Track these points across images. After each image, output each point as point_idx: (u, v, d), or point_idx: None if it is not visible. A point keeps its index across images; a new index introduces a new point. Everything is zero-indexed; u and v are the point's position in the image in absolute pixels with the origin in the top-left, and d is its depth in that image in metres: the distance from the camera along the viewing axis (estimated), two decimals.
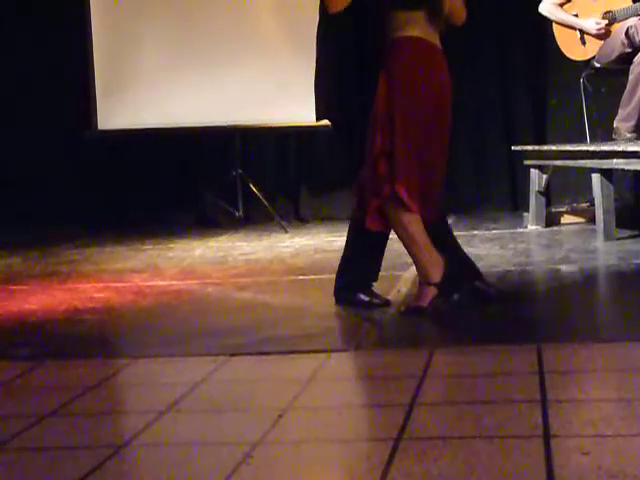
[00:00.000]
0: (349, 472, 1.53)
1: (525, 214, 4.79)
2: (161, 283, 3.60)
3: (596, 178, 4.07)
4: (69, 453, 1.68)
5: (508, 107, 5.50)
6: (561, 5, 4.45)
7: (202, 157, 5.79)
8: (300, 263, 3.97)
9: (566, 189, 5.20)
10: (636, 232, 4.10)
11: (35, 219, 5.51)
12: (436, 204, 2.75)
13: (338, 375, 2.18)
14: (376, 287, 2.90)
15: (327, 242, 4.59)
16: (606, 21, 4.29)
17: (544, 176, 4.66)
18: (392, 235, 2.84)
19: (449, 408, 1.82)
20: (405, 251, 2.79)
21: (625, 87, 4.18)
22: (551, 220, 4.70)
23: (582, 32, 4.38)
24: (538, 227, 4.62)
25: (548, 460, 1.48)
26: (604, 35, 4.29)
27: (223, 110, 5.40)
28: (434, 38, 2.67)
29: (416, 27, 2.64)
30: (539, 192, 4.65)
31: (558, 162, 4.53)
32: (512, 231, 4.57)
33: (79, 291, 3.49)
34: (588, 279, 3.28)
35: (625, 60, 4.17)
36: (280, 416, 1.80)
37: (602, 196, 4.02)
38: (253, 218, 5.59)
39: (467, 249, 3.07)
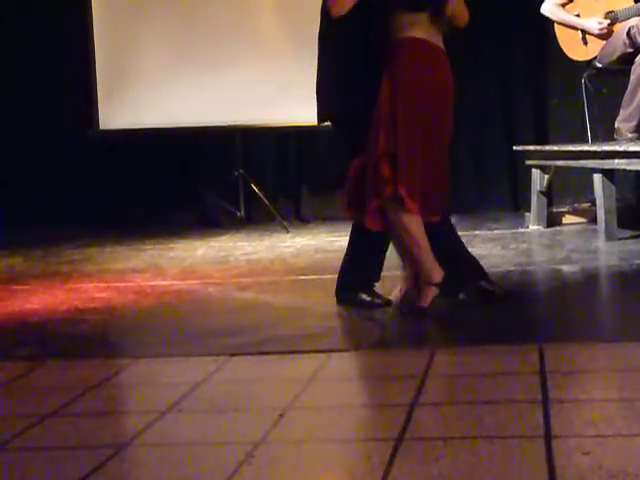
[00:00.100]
0: (350, 472, 1.53)
1: (526, 214, 4.79)
2: (162, 283, 3.60)
3: (597, 178, 4.07)
4: (70, 453, 1.68)
5: (509, 107, 5.50)
6: (563, 5, 4.45)
7: (203, 157, 5.80)
8: (301, 263, 3.97)
9: (567, 189, 5.20)
10: (637, 232, 4.10)
11: (35, 219, 5.52)
12: (438, 204, 2.75)
13: (339, 375, 2.18)
14: (378, 287, 2.90)
15: (328, 242, 4.59)
16: (608, 21, 4.29)
17: (545, 176, 4.65)
18: None
19: (450, 408, 1.82)
20: (407, 252, 2.79)
21: (626, 87, 4.18)
22: (552, 220, 4.69)
23: (584, 32, 4.37)
24: (539, 227, 4.62)
25: (549, 460, 1.47)
26: (606, 35, 4.28)
27: (224, 110, 5.41)
28: (437, 39, 2.68)
29: (420, 28, 2.64)
30: (540, 192, 4.65)
31: (560, 162, 4.53)
32: (513, 231, 4.57)
33: (80, 291, 3.49)
34: (589, 279, 3.28)
35: (627, 60, 4.17)
36: (281, 416, 1.80)
37: (603, 196, 4.02)
38: (254, 218, 5.59)
39: (469, 249, 3.07)
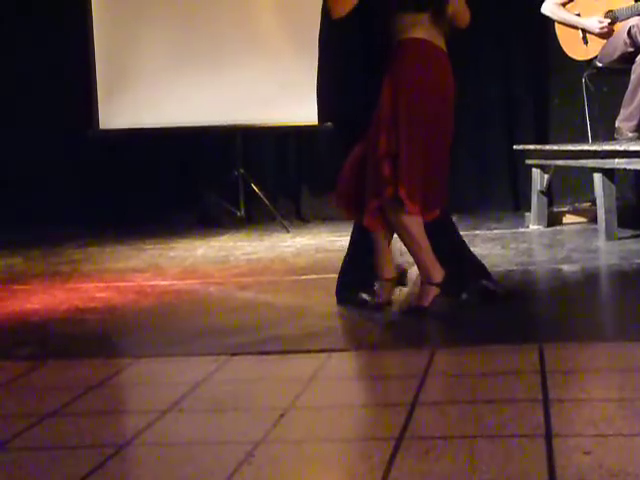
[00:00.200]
0: (350, 471, 1.53)
1: (527, 214, 4.79)
2: (163, 283, 3.60)
3: (598, 178, 4.07)
4: (70, 453, 1.69)
5: (510, 107, 5.50)
6: (563, 5, 4.45)
7: (203, 157, 5.80)
8: (302, 263, 3.97)
9: (568, 189, 5.20)
10: (638, 232, 4.10)
11: (35, 219, 5.52)
12: (437, 202, 2.75)
13: (340, 375, 2.18)
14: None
15: (328, 242, 4.59)
16: (609, 20, 4.29)
17: (546, 176, 4.65)
18: (394, 235, 2.84)
19: (451, 407, 1.82)
20: (406, 250, 2.79)
21: (627, 87, 4.18)
22: (553, 220, 4.69)
23: (584, 31, 4.38)
24: (540, 227, 4.62)
25: (550, 459, 1.47)
26: (607, 34, 4.29)
27: (224, 110, 5.40)
28: (439, 40, 2.68)
29: (421, 29, 2.64)
30: (541, 192, 4.65)
31: (560, 162, 4.53)
32: (514, 231, 4.57)
33: (81, 291, 3.49)
34: (590, 279, 3.28)
35: (627, 60, 4.17)
36: (282, 415, 1.80)
37: (604, 196, 4.02)
38: (255, 218, 5.60)
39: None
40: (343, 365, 2.27)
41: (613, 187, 4.05)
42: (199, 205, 5.69)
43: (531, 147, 4.79)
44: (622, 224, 4.07)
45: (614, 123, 4.25)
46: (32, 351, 2.54)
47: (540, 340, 2.26)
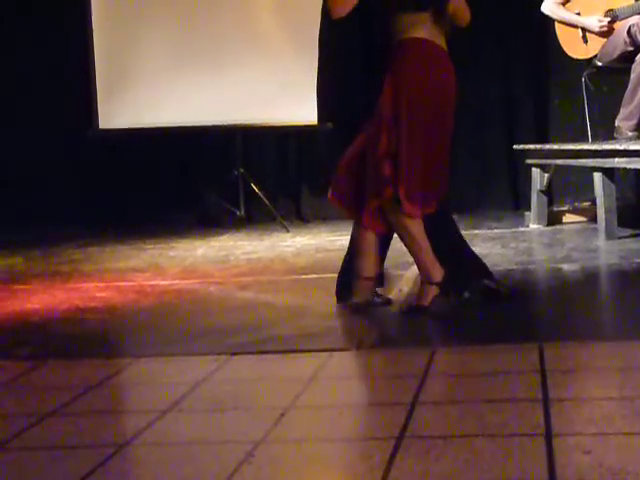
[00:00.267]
0: (351, 471, 1.53)
1: (527, 213, 4.79)
2: (163, 282, 3.60)
3: (598, 177, 4.07)
4: (71, 452, 1.69)
5: (509, 106, 5.50)
6: (563, 4, 4.45)
7: (204, 157, 5.80)
8: (302, 262, 3.97)
9: (568, 188, 5.20)
10: (638, 231, 4.10)
11: (35, 219, 5.52)
12: (436, 198, 2.74)
13: (340, 374, 2.18)
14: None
15: (328, 241, 4.59)
16: (608, 18, 4.29)
17: (546, 175, 4.65)
18: (394, 235, 2.84)
19: (451, 407, 1.82)
20: (407, 250, 2.79)
21: (627, 86, 4.18)
22: (553, 219, 4.70)
23: (584, 30, 4.38)
24: (540, 226, 4.62)
25: (550, 458, 1.47)
26: (607, 33, 4.29)
27: (224, 110, 5.40)
28: (440, 40, 2.67)
29: (422, 29, 2.64)
30: (541, 191, 4.65)
31: (560, 161, 4.53)
32: (514, 230, 4.57)
33: (81, 290, 3.49)
34: (590, 278, 3.28)
35: (627, 59, 4.17)
36: (282, 415, 1.80)
37: (604, 195, 4.02)
38: (255, 217, 5.60)
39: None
40: (343, 365, 2.27)
41: (613, 186, 4.04)
42: (199, 205, 5.69)
43: (531, 146, 4.79)
44: (622, 223, 4.07)
45: (614, 122, 4.25)
46: (32, 351, 2.54)
47: (540, 339, 2.26)
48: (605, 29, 4.28)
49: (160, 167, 5.81)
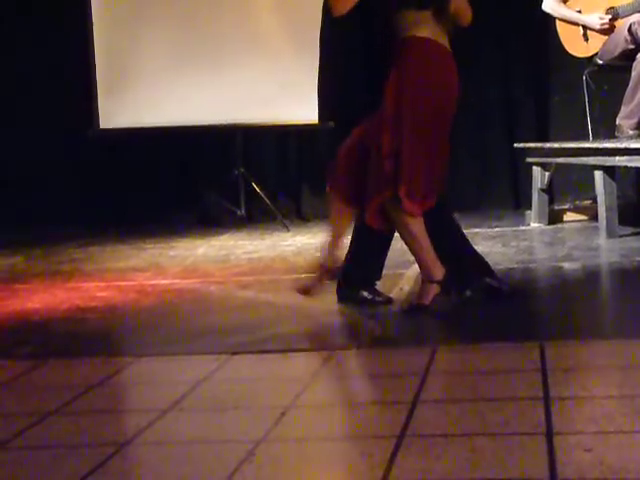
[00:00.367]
0: (352, 469, 1.53)
1: (527, 212, 4.78)
2: (163, 282, 3.60)
3: (599, 175, 4.06)
4: (72, 451, 1.69)
5: (510, 104, 5.50)
6: (564, 2, 4.45)
7: (204, 156, 5.80)
8: (302, 262, 3.97)
9: (568, 186, 5.19)
10: (639, 229, 4.09)
11: (35, 219, 5.52)
12: (434, 194, 2.73)
13: (341, 373, 2.18)
14: (379, 285, 2.90)
15: None
16: (609, 16, 4.28)
17: (546, 174, 4.65)
18: (396, 233, 2.84)
19: (452, 405, 1.82)
20: (408, 249, 2.79)
21: (628, 84, 4.18)
22: (554, 218, 4.69)
23: (585, 28, 4.37)
24: (540, 225, 4.62)
25: (551, 457, 1.47)
26: (608, 31, 4.28)
27: (225, 109, 5.40)
28: (443, 39, 2.66)
29: (425, 28, 2.63)
30: (541, 190, 4.65)
31: (560, 159, 4.53)
32: (514, 229, 4.57)
33: (81, 290, 3.50)
34: (591, 277, 3.28)
35: (628, 57, 4.16)
36: (283, 414, 1.80)
37: (605, 193, 4.01)
38: (255, 217, 5.60)
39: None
40: (344, 363, 2.27)
41: (614, 185, 4.04)
42: (200, 204, 5.69)
43: (532, 145, 4.78)
44: (623, 222, 4.06)
45: (615, 121, 4.24)
46: (33, 350, 2.54)
47: (541, 338, 2.26)
48: (606, 27, 4.28)
49: (160, 167, 5.81)
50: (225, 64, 5.41)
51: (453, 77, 2.69)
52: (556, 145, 4.57)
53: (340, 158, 2.77)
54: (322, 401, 1.93)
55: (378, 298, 2.86)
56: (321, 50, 2.89)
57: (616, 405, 1.75)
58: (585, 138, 4.53)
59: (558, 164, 4.62)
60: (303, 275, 3.56)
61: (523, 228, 4.60)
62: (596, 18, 4.30)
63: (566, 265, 3.43)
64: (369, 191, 2.68)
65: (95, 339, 2.71)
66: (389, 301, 2.85)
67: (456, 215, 2.98)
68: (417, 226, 2.67)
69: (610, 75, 4.55)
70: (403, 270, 3.33)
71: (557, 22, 4.49)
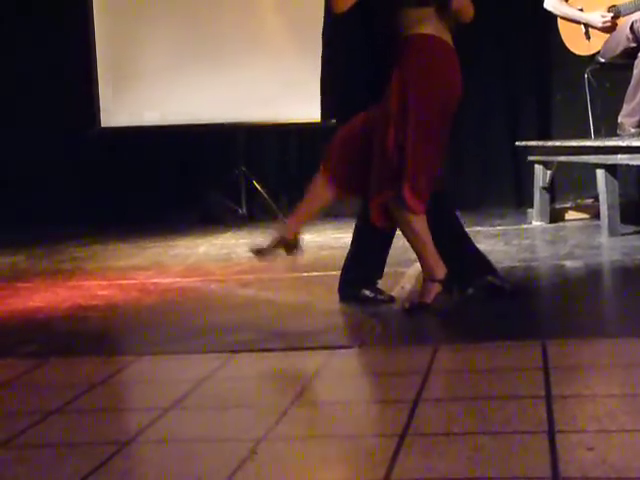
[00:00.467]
0: (354, 468, 1.53)
1: (529, 210, 4.78)
2: (165, 280, 3.61)
3: (600, 174, 4.06)
4: (74, 450, 1.69)
5: (512, 103, 5.50)
6: (566, 0, 4.45)
7: (205, 155, 5.80)
8: (304, 260, 3.96)
9: (570, 185, 5.19)
10: None
11: (35, 219, 5.52)
12: (430, 190, 2.73)
13: (342, 372, 2.18)
14: (381, 284, 2.90)
15: (332, 239, 4.59)
16: (611, 14, 4.28)
17: (548, 172, 4.65)
18: (397, 232, 2.84)
19: (454, 404, 1.82)
20: (410, 248, 2.79)
21: (629, 82, 4.17)
22: (555, 216, 4.69)
23: (587, 27, 4.37)
24: (542, 223, 4.62)
25: (553, 455, 1.47)
26: (609, 29, 4.28)
27: (226, 108, 5.41)
28: (447, 36, 2.66)
29: (429, 25, 2.62)
30: (543, 188, 4.65)
31: (562, 158, 4.52)
32: (516, 227, 4.57)
33: (83, 289, 3.50)
34: (593, 275, 3.28)
35: (630, 55, 4.16)
36: (285, 412, 1.80)
37: (606, 192, 4.01)
38: (256, 215, 5.60)
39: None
40: (346, 362, 2.27)
41: (616, 183, 4.04)
42: (201, 204, 5.69)
43: (533, 143, 4.78)
44: (625, 220, 4.06)
45: (616, 119, 4.24)
46: (35, 349, 2.54)
47: (543, 336, 2.25)
48: (608, 25, 4.27)
49: (162, 166, 5.82)
50: (227, 63, 5.42)
51: (457, 74, 2.68)
52: (558, 143, 4.57)
53: (337, 143, 2.74)
54: (324, 400, 1.93)
55: (380, 297, 2.86)
56: (323, 48, 2.88)
57: (618, 403, 1.75)
58: (587, 136, 4.53)
59: (560, 162, 4.62)
60: (305, 274, 3.57)
61: (525, 226, 4.60)
62: (598, 16, 4.30)
63: (568, 263, 3.42)
64: (372, 189, 2.67)
65: (97, 338, 2.71)
66: (391, 300, 2.85)
67: (458, 213, 2.98)
68: (420, 224, 2.66)
69: (612, 73, 4.55)
70: (405, 268, 3.33)
71: (559, 20, 4.49)
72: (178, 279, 3.63)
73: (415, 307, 2.70)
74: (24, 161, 5.72)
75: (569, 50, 4.48)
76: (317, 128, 5.34)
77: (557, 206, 4.87)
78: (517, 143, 4.91)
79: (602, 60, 4.37)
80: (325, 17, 2.82)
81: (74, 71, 5.61)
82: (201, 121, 5.43)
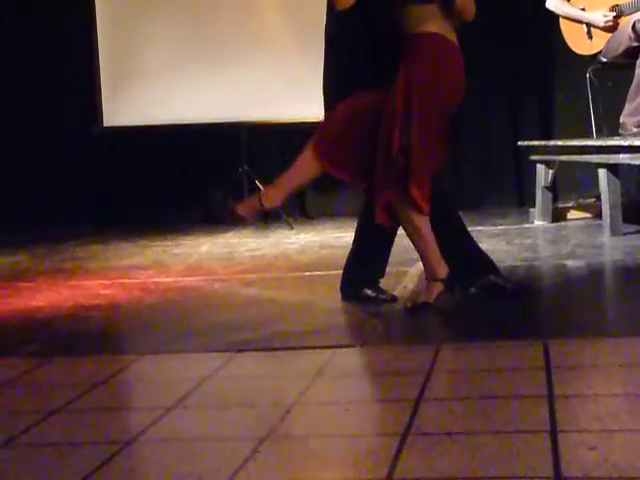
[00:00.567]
0: (356, 467, 1.53)
1: (531, 209, 4.78)
2: (167, 279, 3.61)
3: (602, 173, 4.06)
4: (77, 449, 1.69)
5: (514, 102, 5.50)
6: (568, 0, 4.44)
7: (208, 154, 5.80)
8: (306, 259, 3.97)
9: (572, 184, 5.19)
10: None
11: (35, 219, 5.53)
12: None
13: (345, 371, 2.18)
14: (383, 283, 2.90)
15: (333, 238, 4.59)
16: (614, 13, 4.27)
17: (550, 171, 4.65)
18: (399, 231, 2.84)
19: (456, 403, 1.82)
20: (412, 247, 2.79)
21: (631, 82, 4.17)
22: (557, 215, 4.69)
23: (589, 26, 4.36)
24: (544, 222, 4.61)
25: (555, 455, 1.47)
26: (611, 28, 4.27)
27: (229, 108, 5.41)
28: (452, 35, 2.65)
29: (434, 23, 2.61)
30: (545, 187, 4.65)
31: (564, 157, 4.52)
32: (518, 226, 4.57)
33: (85, 288, 3.50)
34: (594, 274, 3.27)
35: (632, 54, 4.16)
36: (287, 412, 1.81)
37: (608, 191, 4.01)
38: (259, 215, 5.59)
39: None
40: (348, 361, 2.27)
41: (618, 182, 4.03)
42: (204, 203, 5.69)
43: (535, 143, 4.78)
44: (627, 219, 4.06)
45: (618, 118, 4.24)
46: (37, 348, 2.54)
47: (545, 336, 2.26)
48: (610, 24, 4.27)
49: (164, 165, 5.82)
50: (228, 62, 5.42)
51: (461, 74, 2.68)
52: (560, 143, 4.57)
53: (334, 122, 2.71)
54: (326, 399, 1.93)
55: (382, 296, 2.86)
56: (325, 46, 2.88)
57: (620, 403, 1.75)
58: (589, 136, 4.52)
59: (562, 162, 4.61)
60: (307, 273, 3.57)
61: (527, 226, 4.60)
62: (600, 16, 4.29)
63: (570, 263, 3.42)
64: (377, 188, 2.66)
65: (99, 337, 2.71)
66: (393, 299, 2.85)
67: (460, 212, 2.98)
68: (423, 223, 2.66)
69: (614, 73, 4.55)
70: (407, 268, 3.33)
71: (561, 20, 4.49)
72: (180, 278, 3.63)
73: (417, 306, 2.70)
74: (24, 161, 5.73)
75: (571, 50, 4.48)
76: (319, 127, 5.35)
77: (559, 205, 4.86)
78: (519, 143, 4.90)
79: (604, 60, 4.36)
80: (327, 14, 2.81)
81: (74, 71, 5.61)
82: (203, 120, 5.43)
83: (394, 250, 2.95)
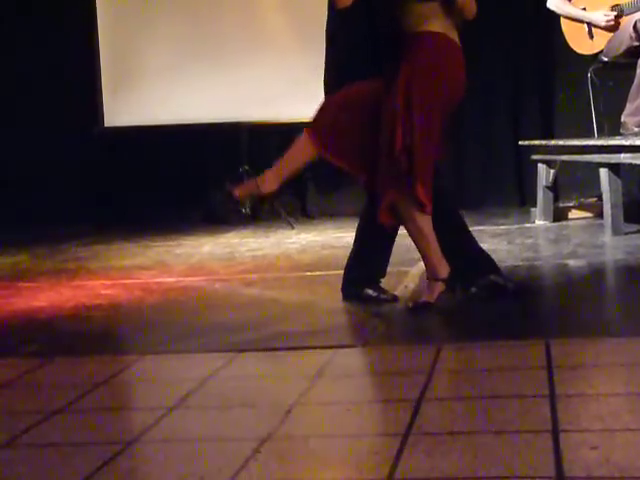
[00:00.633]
0: (357, 467, 1.53)
1: (532, 209, 4.78)
2: (168, 280, 3.61)
3: (604, 173, 4.05)
4: (78, 449, 1.69)
5: (515, 102, 5.49)
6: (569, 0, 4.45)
7: (209, 154, 5.80)
8: (307, 259, 3.97)
9: (574, 184, 5.19)
10: None
11: (35, 219, 5.53)
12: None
13: (346, 371, 2.18)
14: (384, 283, 2.90)
15: (334, 238, 4.59)
16: (615, 13, 4.27)
17: (551, 171, 4.64)
18: (400, 231, 2.84)
19: (457, 403, 1.82)
20: (413, 247, 2.79)
21: (633, 81, 4.17)
22: (559, 215, 4.69)
23: (590, 26, 4.36)
24: (546, 222, 4.61)
25: (557, 454, 1.47)
26: (613, 28, 4.27)
27: (229, 108, 5.41)
28: (454, 34, 2.65)
29: (436, 22, 2.60)
30: (546, 187, 4.64)
31: (565, 157, 4.52)
32: (520, 226, 4.57)
33: (87, 288, 3.50)
34: (596, 274, 3.27)
35: (633, 54, 4.16)
36: (288, 412, 1.81)
37: (610, 191, 4.01)
38: (260, 215, 5.60)
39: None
40: (349, 361, 2.27)
41: (619, 182, 4.03)
42: (205, 204, 5.69)
43: (537, 142, 4.78)
44: (628, 219, 4.06)
45: (620, 118, 4.23)
46: (39, 348, 2.54)
47: (546, 335, 2.25)
48: (611, 24, 4.27)
49: (165, 165, 5.82)
50: (228, 62, 5.42)
51: (462, 72, 2.68)
52: (561, 142, 4.57)
53: (331, 108, 2.72)
54: (328, 399, 1.93)
55: (383, 296, 2.86)
56: (326, 44, 2.88)
57: (622, 403, 1.75)
58: (590, 135, 4.52)
59: (563, 161, 4.61)
60: (308, 273, 3.57)
61: (528, 225, 4.59)
62: (601, 15, 4.29)
63: (571, 262, 3.42)
64: (381, 187, 2.66)
65: (101, 337, 2.71)
66: (394, 299, 2.84)
67: (461, 212, 2.98)
68: (425, 222, 2.66)
69: (615, 72, 4.55)
70: (408, 268, 3.33)
71: (562, 19, 4.48)
72: (182, 278, 3.63)
73: (418, 306, 2.70)
74: (24, 161, 5.73)
75: (572, 49, 4.48)
76: None
77: (560, 205, 4.86)
78: (520, 142, 4.90)
79: (605, 59, 4.36)
80: (329, 12, 2.81)
81: (75, 71, 5.62)
82: (203, 120, 5.43)
83: (395, 250, 2.95)
